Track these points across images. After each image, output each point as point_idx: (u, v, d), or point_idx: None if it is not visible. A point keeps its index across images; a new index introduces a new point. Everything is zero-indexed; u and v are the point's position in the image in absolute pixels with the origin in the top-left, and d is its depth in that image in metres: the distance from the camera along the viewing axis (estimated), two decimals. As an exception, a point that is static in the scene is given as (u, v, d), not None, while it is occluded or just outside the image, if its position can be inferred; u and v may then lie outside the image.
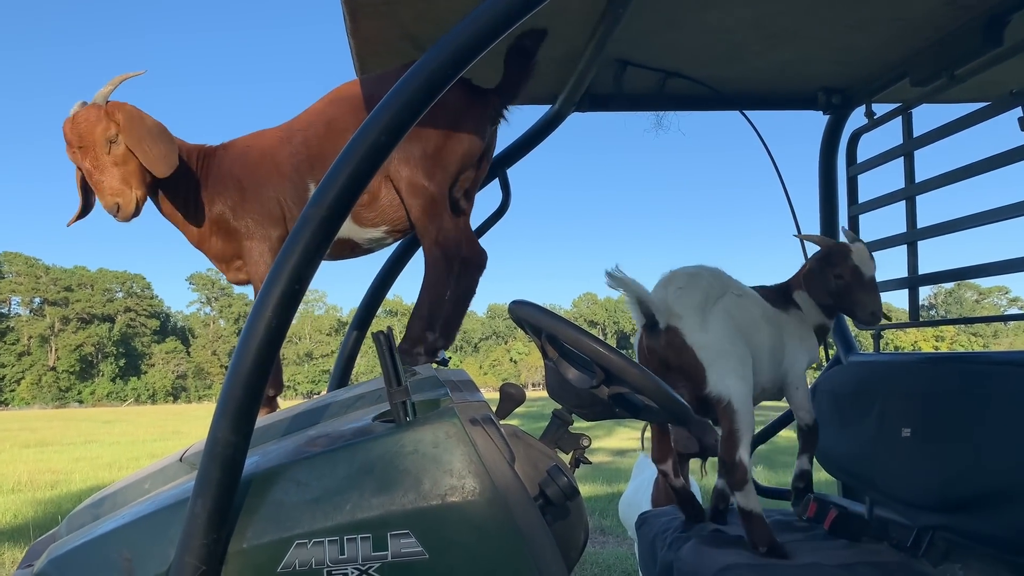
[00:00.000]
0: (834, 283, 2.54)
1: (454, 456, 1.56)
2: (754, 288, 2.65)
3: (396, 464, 1.57)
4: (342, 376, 3.16)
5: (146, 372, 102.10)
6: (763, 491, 3.24)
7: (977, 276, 2.55)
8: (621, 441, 16.07)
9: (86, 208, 2.88)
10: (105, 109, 2.68)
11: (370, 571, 1.50)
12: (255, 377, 1.42)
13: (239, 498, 1.51)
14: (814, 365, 2.71)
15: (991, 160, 2.45)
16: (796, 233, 3.16)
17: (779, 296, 2.67)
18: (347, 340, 3.25)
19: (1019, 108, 2.39)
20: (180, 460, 1.93)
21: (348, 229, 2.64)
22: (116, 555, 1.55)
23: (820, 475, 3.28)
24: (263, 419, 2.19)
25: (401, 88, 1.46)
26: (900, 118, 2.95)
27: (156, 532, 1.55)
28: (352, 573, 1.50)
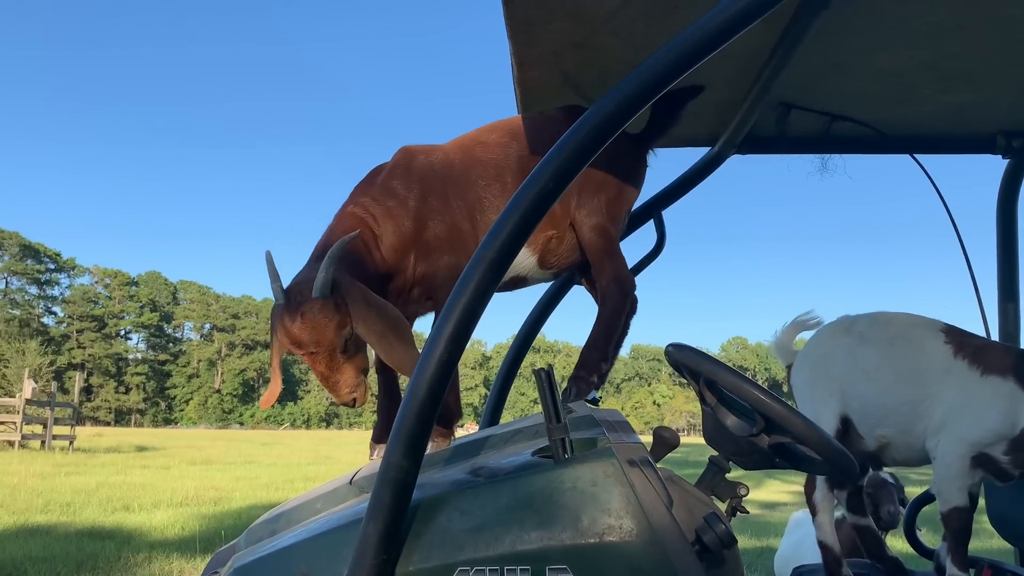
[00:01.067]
0: None
1: (612, 496, 1.59)
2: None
3: (555, 500, 1.60)
4: (494, 411, 3.24)
5: (302, 398, 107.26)
6: (924, 551, 3.06)
7: None
8: (771, 494, 15.45)
9: (277, 387, 2.49)
10: (335, 301, 2.19)
11: (527, 603, 1.53)
12: (427, 407, 1.50)
13: (407, 523, 1.59)
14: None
15: None
16: (973, 284, 3.01)
17: (998, 357, 2.41)
18: (500, 376, 3.33)
19: None
20: (350, 483, 2.04)
21: (527, 268, 2.72)
22: (295, 569, 1.66)
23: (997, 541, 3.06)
24: (430, 449, 2.29)
25: (569, 137, 1.52)
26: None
27: (331, 550, 1.65)
28: None
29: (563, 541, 1.56)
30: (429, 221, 2.49)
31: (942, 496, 2.41)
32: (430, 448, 2.41)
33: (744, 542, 9.00)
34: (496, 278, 1.55)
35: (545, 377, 1.72)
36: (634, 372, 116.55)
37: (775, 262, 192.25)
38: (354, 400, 2.30)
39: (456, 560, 1.56)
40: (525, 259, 2.65)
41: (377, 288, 2.46)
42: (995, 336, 3.09)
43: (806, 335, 3.05)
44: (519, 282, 2.77)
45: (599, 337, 2.57)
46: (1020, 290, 3.13)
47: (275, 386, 2.47)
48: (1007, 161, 3.14)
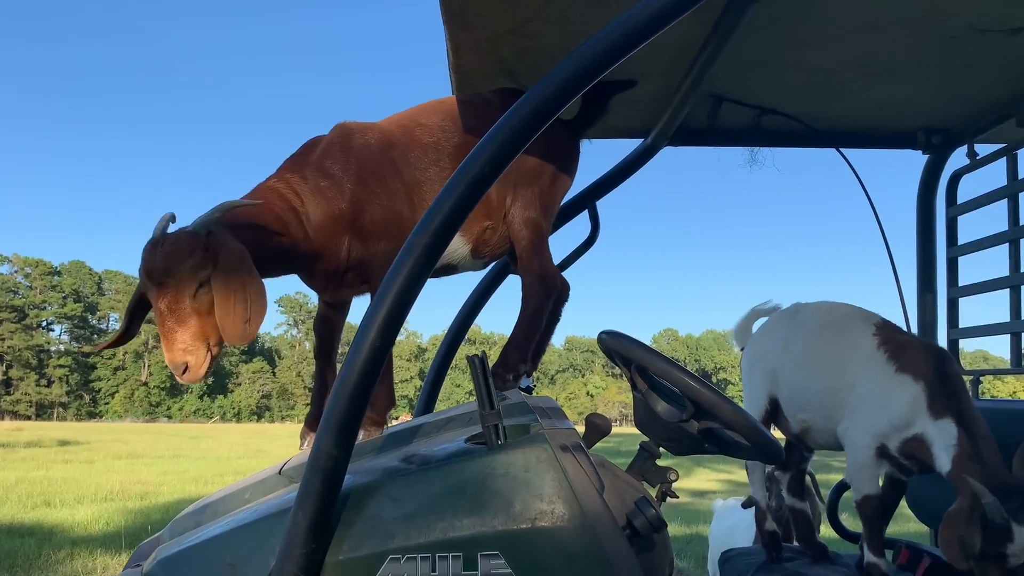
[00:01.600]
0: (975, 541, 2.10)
1: (544, 481, 1.59)
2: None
3: (488, 486, 1.60)
4: (428, 401, 3.23)
5: (232, 391, 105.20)
6: (848, 535, 3.16)
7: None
8: (702, 482, 15.77)
9: (126, 337, 2.33)
10: (205, 242, 2.09)
11: (460, 590, 1.53)
12: (358, 395, 1.48)
13: (338, 511, 1.57)
14: None
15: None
16: (894, 275, 3.11)
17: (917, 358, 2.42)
18: (434, 366, 3.32)
19: None
20: (279, 473, 2.01)
21: (459, 257, 2.69)
22: (220, 560, 1.62)
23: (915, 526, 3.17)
24: (361, 438, 2.26)
25: (505, 122, 1.52)
26: (1004, 159, 2.88)
27: (258, 540, 1.62)
28: None
29: (495, 527, 1.56)
30: (366, 204, 2.44)
31: (853, 484, 2.48)
32: (362, 437, 2.38)
33: (675, 529, 9.17)
34: (430, 264, 1.53)
35: (479, 364, 1.71)
36: (568, 364, 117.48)
37: (708, 255, 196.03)
38: (186, 366, 2.09)
39: (387, 548, 1.55)
40: (459, 248, 2.63)
41: (304, 269, 2.41)
42: (913, 325, 3.20)
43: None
44: (450, 270, 2.74)
45: (520, 336, 2.55)
46: (937, 281, 3.24)
47: (121, 331, 2.32)
48: (927, 156, 3.25)
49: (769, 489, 2.92)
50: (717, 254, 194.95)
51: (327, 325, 2.65)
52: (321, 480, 1.49)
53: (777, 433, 2.62)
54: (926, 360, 2.34)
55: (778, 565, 2.67)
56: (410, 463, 1.72)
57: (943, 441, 2.20)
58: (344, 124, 2.59)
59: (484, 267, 2.87)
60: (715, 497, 13.06)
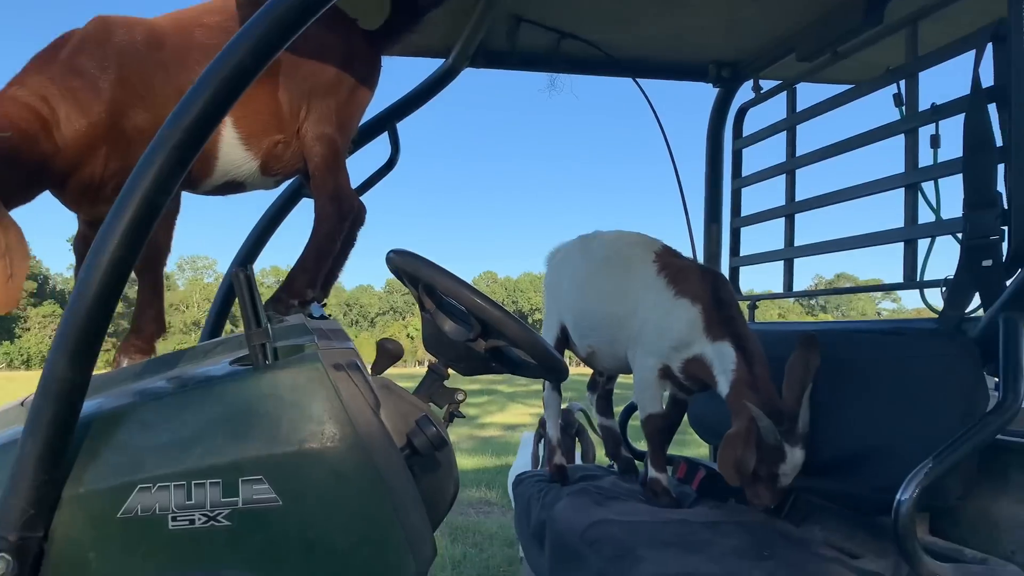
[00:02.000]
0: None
1: (314, 401, 1.50)
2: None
3: (252, 408, 1.49)
4: (213, 331, 3.02)
5: (20, 336, 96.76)
6: (637, 454, 3.30)
7: (852, 247, 2.63)
8: (513, 416, 16.21)
9: None
10: None
11: (219, 517, 1.42)
12: (97, 311, 1.32)
13: (77, 440, 1.41)
14: None
15: (865, 136, 2.53)
16: (683, 205, 3.22)
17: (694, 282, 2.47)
18: (220, 294, 3.10)
19: (894, 85, 2.47)
20: (22, 404, 1.79)
21: (247, 173, 2.46)
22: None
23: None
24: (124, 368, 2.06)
25: (273, 6, 1.37)
26: (785, 94, 3.01)
27: (-18, 475, 1.43)
28: (199, 519, 1.42)
29: (259, 451, 1.46)
30: (128, 109, 2.16)
31: (639, 404, 2.57)
32: (125, 363, 2.17)
33: (486, 460, 9.38)
34: (181, 165, 1.38)
35: (243, 279, 1.58)
36: (388, 306, 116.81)
37: (527, 195, 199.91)
38: None
39: (136, 478, 1.40)
40: (246, 163, 2.42)
41: (56, 184, 2.13)
42: (700, 255, 3.34)
43: None
44: (237, 187, 2.53)
45: (309, 259, 2.38)
46: (724, 213, 3.38)
47: None
48: (718, 90, 3.36)
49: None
50: (536, 194, 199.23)
51: (89, 245, 2.38)
52: (53, 406, 1.32)
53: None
54: (703, 284, 2.42)
55: (572, 485, 2.74)
56: (166, 387, 1.57)
57: (721, 364, 2.29)
58: (104, 17, 2.28)
59: (276, 185, 2.68)
60: (524, 430, 13.50)
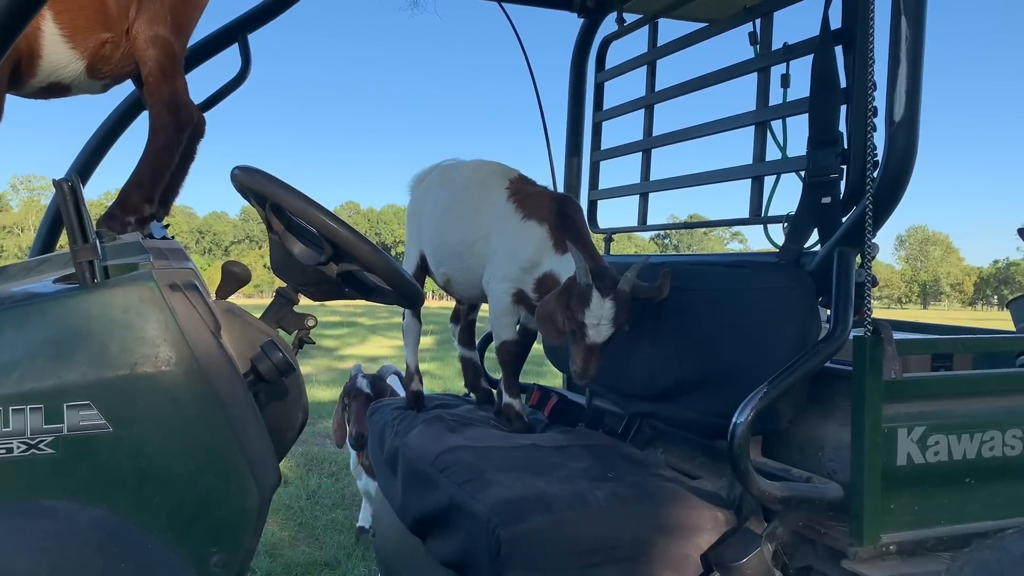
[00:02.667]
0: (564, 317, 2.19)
1: (148, 322, 1.40)
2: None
3: (77, 329, 1.38)
4: (44, 248, 2.79)
5: None
6: (495, 383, 3.33)
7: (704, 183, 2.70)
8: (374, 348, 16.11)
9: None
10: None
11: (40, 445, 1.32)
12: None
13: None
14: None
15: (721, 72, 2.58)
16: (545, 136, 3.21)
17: (542, 205, 2.46)
18: (51, 207, 2.86)
19: (750, 24, 2.52)
20: None
21: (72, 74, 2.25)
22: None
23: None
24: None
25: None
26: (648, 28, 3.03)
27: None
28: (18, 447, 1.31)
29: (86, 375, 1.36)
30: None
31: (494, 331, 2.57)
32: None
33: (343, 393, 9.28)
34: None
35: (67, 190, 1.44)
36: (244, 235, 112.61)
37: (389, 120, 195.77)
38: None
39: (-60, 404, 1.28)
40: (70, 63, 2.21)
41: None
42: (560, 187, 3.35)
43: None
44: (63, 90, 2.32)
45: (144, 174, 2.23)
46: (584, 145, 3.40)
47: None
48: (582, 20, 3.34)
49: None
50: (399, 118, 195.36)
51: None
52: None
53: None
54: (550, 206, 2.42)
55: (425, 412, 2.74)
56: (-23, 306, 1.43)
57: (568, 270, 2.26)
58: None
59: (105, 90, 2.47)
60: (388, 362, 13.45)
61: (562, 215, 2.40)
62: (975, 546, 1.90)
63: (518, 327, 2.61)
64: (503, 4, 3.10)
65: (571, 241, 2.24)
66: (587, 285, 2.10)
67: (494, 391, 3.05)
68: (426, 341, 13.51)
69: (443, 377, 11.19)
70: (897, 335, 1.93)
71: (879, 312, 1.95)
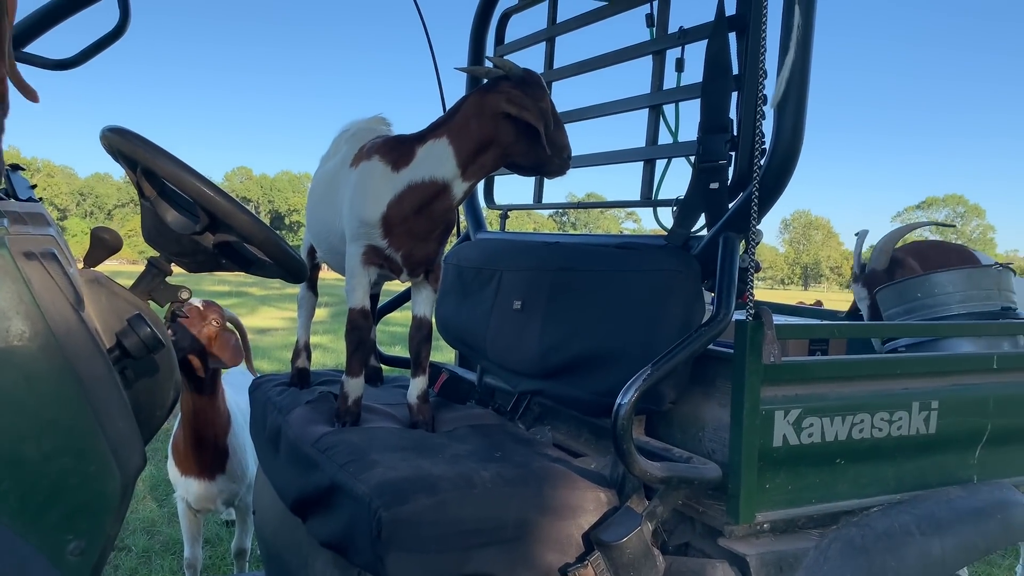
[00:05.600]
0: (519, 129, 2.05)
1: (-2, 293, 1.29)
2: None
3: (-88, 299, 1.25)
4: None
5: None
6: (388, 360, 3.28)
7: (599, 164, 2.70)
8: (264, 320, 15.71)
9: None
10: None
11: None
12: None
13: None
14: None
15: (619, 53, 2.58)
16: (443, 104, 3.14)
17: (388, 149, 2.25)
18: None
19: (648, 6, 2.53)
20: None
21: None
22: None
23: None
24: None
25: None
26: (547, 4, 3.00)
27: None
28: None
29: None
30: None
31: (346, 297, 2.34)
32: None
33: (230, 365, 9.01)
34: None
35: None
36: (129, 198, 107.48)
37: (284, 83, 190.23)
38: None
39: None
40: None
41: None
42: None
43: None
44: None
45: None
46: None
47: None
48: (481, -8, 3.28)
49: None
50: (297, 82, 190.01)
51: None
52: None
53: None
54: (391, 150, 2.24)
55: (310, 389, 2.66)
56: None
57: (429, 169, 2.16)
58: None
59: None
60: (277, 335, 13.13)
61: (399, 138, 2.25)
62: (842, 523, 1.99)
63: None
64: (401, -30, 3.01)
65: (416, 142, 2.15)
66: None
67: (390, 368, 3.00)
68: (320, 313, 13.23)
69: (336, 351, 11.02)
70: (777, 319, 1.98)
71: (763, 293, 1.99)
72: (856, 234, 3.63)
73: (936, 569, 1.95)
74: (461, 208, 3.08)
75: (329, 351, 10.98)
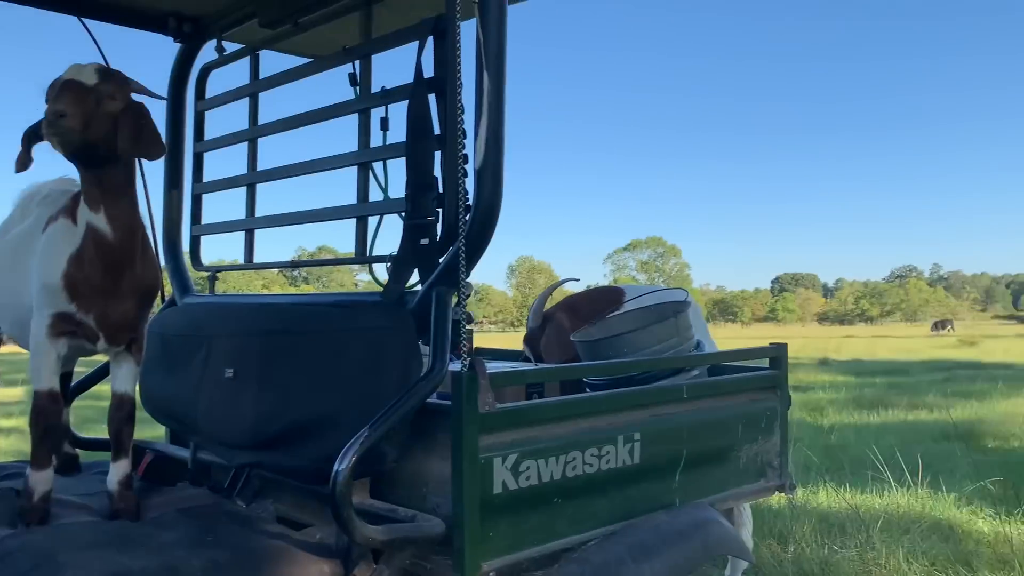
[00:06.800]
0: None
1: None
2: None
3: None
4: None
5: None
6: (85, 443, 2.95)
7: (311, 221, 2.64)
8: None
9: None
10: None
11: None
12: None
13: None
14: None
15: (324, 111, 2.55)
16: (142, 178, 2.92)
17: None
18: None
19: (350, 64, 2.53)
20: None
21: None
22: None
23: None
24: None
25: None
26: (249, 59, 2.91)
27: None
28: None
29: None
30: None
31: (31, 378, 2.10)
32: None
33: None
34: None
35: None
36: None
37: None
38: None
39: None
40: None
41: None
42: (159, 220, 3.09)
43: None
44: None
45: None
46: (186, 177, 3.16)
47: None
48: (180, 45, 3.12)
49: None
50: None
51: None
52: None
53: None
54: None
55: None
56: None
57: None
58: None
59: None
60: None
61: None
62: (563, 561, 2.06)
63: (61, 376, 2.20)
64: (83, 20, 2.79)
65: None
66: None
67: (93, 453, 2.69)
68: (14, 393, 11.65)
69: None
70: (496, 366, 2.04)
71: (496, 337, 2.04)
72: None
73: (649, 593, 2.08)
74: (166, 272, 2.88)
75: (27, 435, 9.73)
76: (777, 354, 2.91)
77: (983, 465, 7.36)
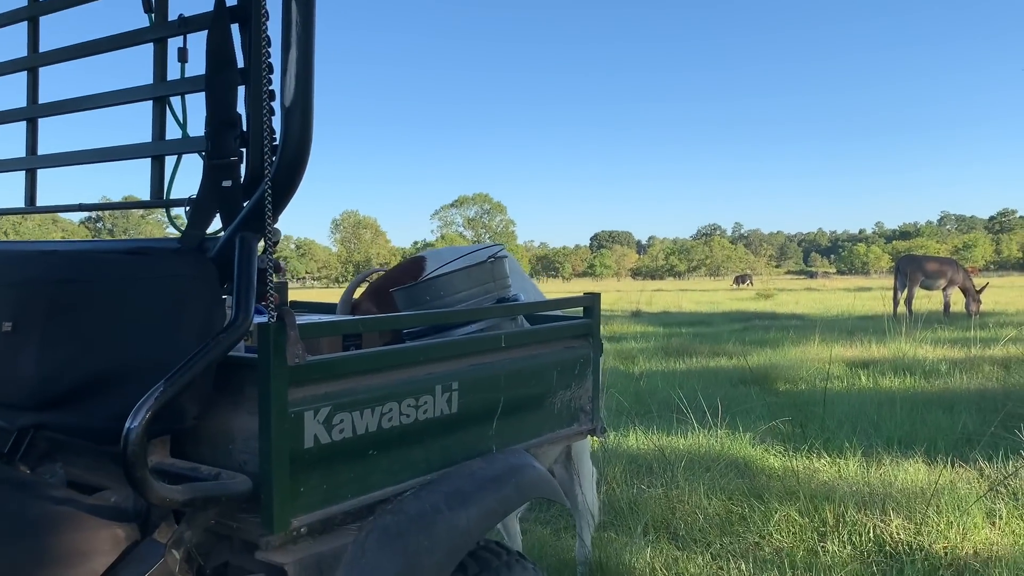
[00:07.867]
0: None
1: None
2: None
3: None
4: None
5: None
6: None
7: (101, 160, 2.41)
8: None
9: None
10: None
11: None
12: None
13: None
14: None
15: (115, 39, 2.32)
16: None
17: None
18: None
19: (145, -11, 2.31)
20: None
21: None
22: None
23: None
24: None
25: None
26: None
27: None
28: None
29: None
30: None
31: None
32: None
33: None
34: None
35: None
36: None
37: None
38: None
39: None
40: None
41: None
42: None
43: None
44: None
45: None
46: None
47: None
48: None
49: None
50: None
51: None
52: None
53: None
54: None
55: None
56: None
57: None
58: None
59: None
60: None
61: None
62: (378, 513, 2.03)
63: None
64: None
65: None
66: None
67: None
68: None
69: None
70: (306, 318, 1.95)
71: (320, 292, 1.95)
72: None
73: (463, 539, 2.09)
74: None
75: None
76: (590, 303, 2.99)
77: (775, 406, 8.03)
